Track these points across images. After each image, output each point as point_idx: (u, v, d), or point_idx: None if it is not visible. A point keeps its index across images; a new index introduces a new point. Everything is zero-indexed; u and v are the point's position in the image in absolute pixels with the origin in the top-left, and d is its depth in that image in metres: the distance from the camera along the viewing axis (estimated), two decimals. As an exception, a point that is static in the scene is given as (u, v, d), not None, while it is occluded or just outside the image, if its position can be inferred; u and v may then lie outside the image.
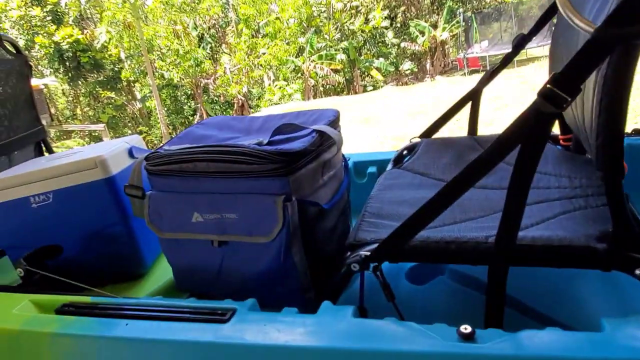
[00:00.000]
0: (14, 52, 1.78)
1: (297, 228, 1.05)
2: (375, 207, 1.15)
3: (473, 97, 1.50)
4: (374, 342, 0.75)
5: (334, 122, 1.24)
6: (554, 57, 1.26)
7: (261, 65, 18.23)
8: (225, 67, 19.15)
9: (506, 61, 1.42)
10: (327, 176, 1.18)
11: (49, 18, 17.16)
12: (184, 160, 1.09)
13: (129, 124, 20.34)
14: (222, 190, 1.08)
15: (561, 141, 1.37)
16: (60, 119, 19.62)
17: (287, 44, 17.83)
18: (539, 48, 13.70)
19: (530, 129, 0.72)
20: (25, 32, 17.04)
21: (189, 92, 19.83)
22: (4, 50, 1.73)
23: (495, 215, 1.06)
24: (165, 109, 18.78)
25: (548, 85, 0.69)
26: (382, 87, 18.57)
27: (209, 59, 18.87)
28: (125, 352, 0.89)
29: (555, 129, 1.38)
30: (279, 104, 16.65)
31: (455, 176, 0.78)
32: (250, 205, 1.06)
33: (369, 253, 0.89)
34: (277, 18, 17.79)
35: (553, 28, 1.32)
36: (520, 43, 1.38)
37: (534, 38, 1.40)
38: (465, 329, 0.72)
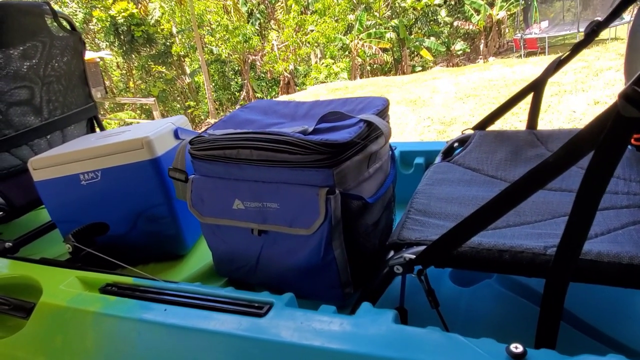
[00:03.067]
0: (69, 29, 1.82)
1: (339, 222, 1.01)
2: (421, 203, 1.09)
3: (536, 87, 1.38)
4: (414, 352, 0.71)
5: (383, 112, 1.18)
6: (633, 47, 1.14)
7: (309, 42, 18.06)
8: (272, 44, 19.13)
9: (576, 50, 1.30)
10: (372, 169, 1.13)
11: (106, -9, 17.72)
12: (228, 146, 1.07)
13: (178, 98, 20.87)
14: (265, 178, 1.06)
15: (632, 140, 1.24)
16: (115, 91, 20.41)
17: (336, 21, 17.50)
18: (605, 30, 12.72)
19: (607, 134, 0.63)
20: (84, 5, 17.70)
21: (237, 68, 20.03)
22: (60, 27, 1.77)
23: (553, 220, 0.97)
24: (213, 84, 19.09)
25: (633, 86, 0.60)
26: (431, 67, 17.99)
27: (257, 35, 18.89)
28: (162, 337, 0.90)
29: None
30: (325, 82, 16.48)
31: (517, 181, 0.71)
32: (292, 195, 1.03)
33: (413, 256, 0.84)
34: (327, -6, 17.45)
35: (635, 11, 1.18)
36: (594, 30, 1.25)
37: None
38: (516, 348, 0.67)
